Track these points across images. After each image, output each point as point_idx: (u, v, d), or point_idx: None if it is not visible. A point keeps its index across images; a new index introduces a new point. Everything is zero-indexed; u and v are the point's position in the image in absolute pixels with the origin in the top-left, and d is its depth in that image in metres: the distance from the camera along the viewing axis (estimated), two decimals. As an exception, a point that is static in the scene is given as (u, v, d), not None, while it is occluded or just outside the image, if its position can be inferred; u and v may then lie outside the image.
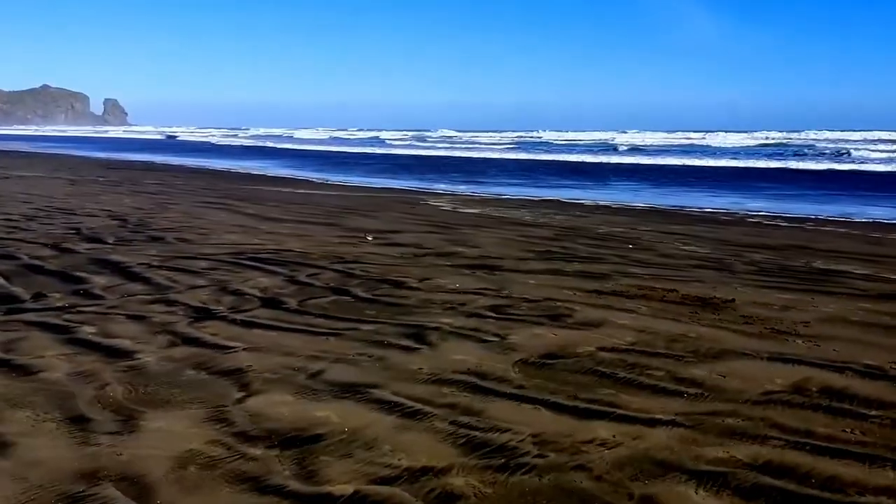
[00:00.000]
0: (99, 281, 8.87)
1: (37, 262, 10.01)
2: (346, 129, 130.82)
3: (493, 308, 7.89)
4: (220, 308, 7.66)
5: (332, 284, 8.98)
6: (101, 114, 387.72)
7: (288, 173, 34.93)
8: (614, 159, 51.52)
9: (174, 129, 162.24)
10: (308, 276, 9.50)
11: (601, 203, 22.70)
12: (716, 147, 65.64)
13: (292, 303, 7.98)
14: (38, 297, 7.97)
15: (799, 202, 23.84)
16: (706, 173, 38.71)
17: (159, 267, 9.84)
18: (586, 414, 4.94)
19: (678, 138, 79.32)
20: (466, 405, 5.02)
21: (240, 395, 5.11)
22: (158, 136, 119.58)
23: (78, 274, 9.23)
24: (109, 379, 5.35)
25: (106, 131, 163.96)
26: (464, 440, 4.46)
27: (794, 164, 44.55)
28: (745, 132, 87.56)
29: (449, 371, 5.69)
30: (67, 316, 7.17)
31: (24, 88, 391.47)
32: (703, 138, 77.72)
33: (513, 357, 6.10)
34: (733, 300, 8.49)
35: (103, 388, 5.16)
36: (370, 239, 13.27)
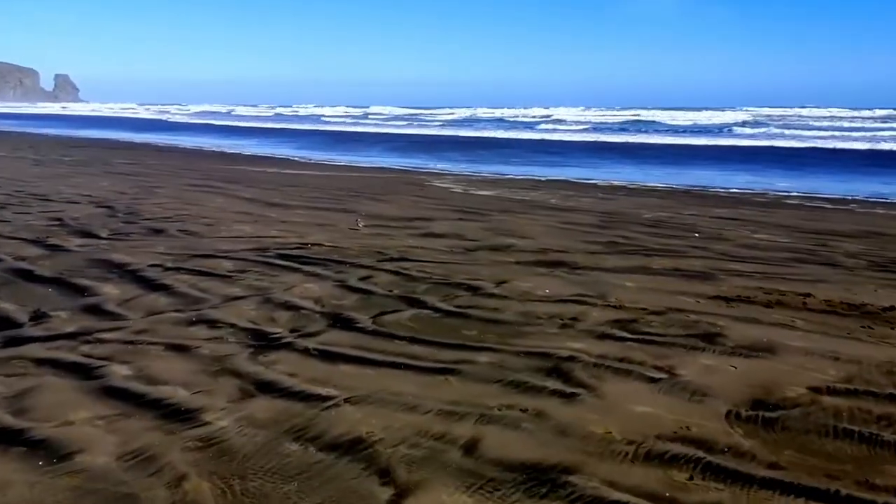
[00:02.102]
0: (110, 291, 7.08)
1: (23, 264, 8.16)
2: (289, 106, 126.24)
3: (617, 325, 6.29)
4: (279, 330, 5.94)
5: (396, 291, 7.31)
6: (51, 90, 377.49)
7: (264, 151, 32.87)
8: (571, 136, 49.86)
9: (126, 105, 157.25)
10: (360, 279, 7.81)
11: (615, 183, 21.19)
12: (670, 125, 64.18)
13: (365, 320, 6.29)
14: (38, 317, 6.18)
15: (809, 180, 22.52)
16: (676, 151, 37.45)
17: (176, 270, 8.06)
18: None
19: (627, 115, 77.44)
20: None
21: (387, 494, 3.42)
22: (111, 113, 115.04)
23: (79, 281, 7.43)
24: (181, 465, 3.62)
25: (64, 108, 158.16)
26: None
27: (781, 143, 43.45)
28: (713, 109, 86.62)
29: (649, 436, 4.06)
30: (86, 348, 5.40)
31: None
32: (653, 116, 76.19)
33: (715, 408, 4.49)
34: (893, 308, 6.98)
35: (179, 485, 3.43)
36: (361, 225, 11.66)
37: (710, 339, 5.95)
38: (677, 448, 3.91)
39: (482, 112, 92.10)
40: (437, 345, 5.65)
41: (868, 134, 46.47)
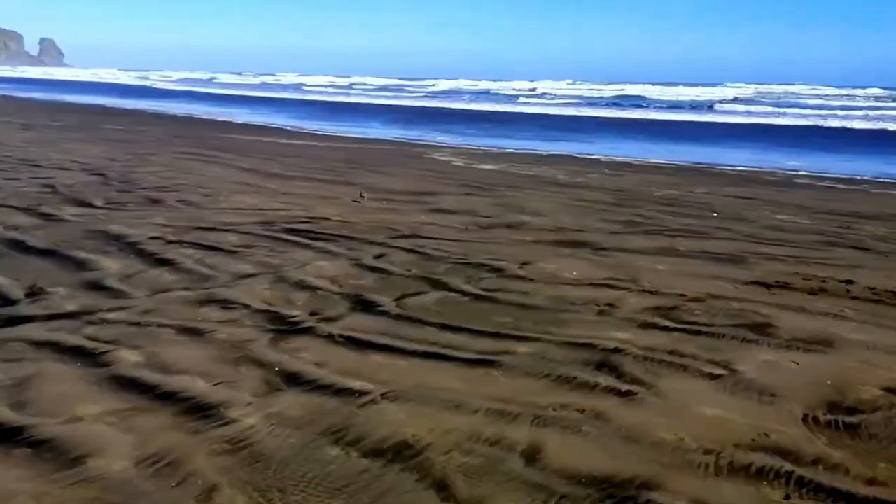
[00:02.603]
0: (110, 265, 6.59)
1: (15, 234, 7.66)
2: (272, 75, 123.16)
3: (658, 312, 5.88)
4: (298, 313, 5.49)
5: (415, 271, 6.87)
6: (36, 54, 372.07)
7: (255, 120, 32.17)
8: (563, 110, 49.24)
9: (108, 71, 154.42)
10: (375, 257, 7.36)
11: (617, 159, 20.72)
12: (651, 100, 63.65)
13: (387, 303, 5.85)
14: (35, 293, 5.70)
15: (813, 159, 22.12)
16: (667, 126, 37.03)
17: (178, 243, 7.58)
18: None
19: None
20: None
21: (448, 509, 2.99)
22: (94, 79, 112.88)
23: (77, 254, 6.94)
24: (211, 474, 3.17)
25: (47, 72, 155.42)
26: None
27: (768, 120, 43.06)
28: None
29: (727, 444, 3.65)
30: (89, 329, 4.92)
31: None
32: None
33: (790, 411, 4.08)
34: (942, 297, 6.60)
35: (210, 498, 2.98)
36: (366, 198, 11.23)
37: (761, 329, 5.55)
38: (761, 459, 3.49)
39: (465, 84, 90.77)
40: (471, 332, 5.22)
41: (860, 113, 46.01)
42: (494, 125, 34.30)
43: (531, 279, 6.81)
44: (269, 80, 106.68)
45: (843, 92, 72.10)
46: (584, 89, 78.37)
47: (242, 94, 65.25)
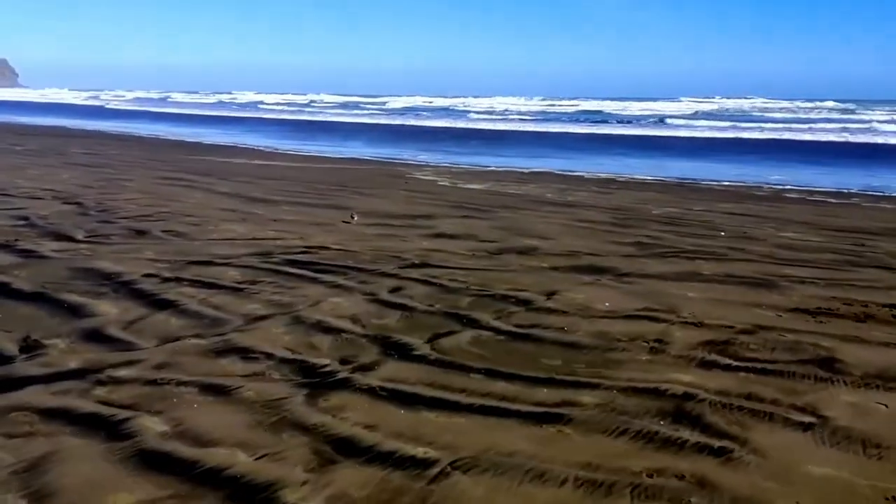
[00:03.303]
0: (107, 310, 6.01)
1: (-3, 275, 7.02)
2: (228, 93, 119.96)
3: (712, 348, 5.47)
4: (327, 362, 4.97)
5: (438, 306, 6.39)
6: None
7: (225, 141, 31.45)
8: (533, 127, 49.20)
9: (58, 91, 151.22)
10: (391, 291, 6.86)
11: (602, 176, 20.40)
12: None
13: (420, 345, 5.36)
14: (30, 347, 5.10)
15: (793, 172, 22.03)
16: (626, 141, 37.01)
17: (176, 280, 7.01)
18: None
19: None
20: None
21: None
22: (44, 99, 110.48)
23: (68, 297, 6.34)
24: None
25: (4, 94, 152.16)
26: None
27: (745, 134, 43.23)
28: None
29: (858, 512, 3.18)
30: (100, 391, 4.36)
31: None
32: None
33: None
34: None
35: None
36: (355, 218, 10.99)
37: (829, 365, 5.15)
38: (908, 533, 3.04)
39: (421, 101, 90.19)
40: (523, 380, 4.73)
41: (821, 126, 46.19)
42: (466, 142, 33.95)
43: (564, 312, 6.36)
44: (226, 98, 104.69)
45: (802, 105, 72.88)
46: (542, 105, 78.38)
47: (205, 113, 64.29)
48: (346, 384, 4.59)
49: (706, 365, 5.10)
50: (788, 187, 18.37)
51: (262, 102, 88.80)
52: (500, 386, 4.61)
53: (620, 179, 19.50)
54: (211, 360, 4.94)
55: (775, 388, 4.67)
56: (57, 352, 5.03)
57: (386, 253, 8.63)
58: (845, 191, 17.84)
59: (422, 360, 5.10)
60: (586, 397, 4.45)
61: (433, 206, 12.96)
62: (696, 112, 63.39)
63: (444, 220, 11.38)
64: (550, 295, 6.91)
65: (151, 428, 3.87)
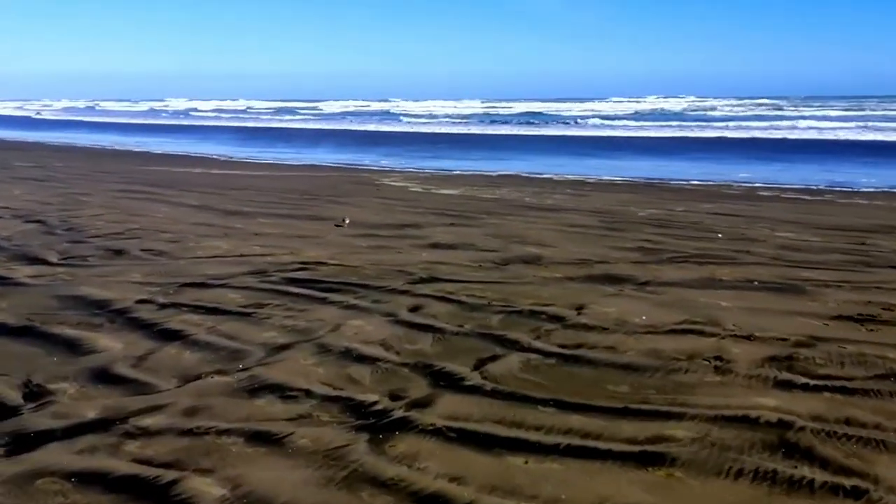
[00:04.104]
0: (109, 344, 5.42)
1: (-27, 307, 6.34)
2: (161, 100, 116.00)
3: (780, 365, 5.18)
4: (375, 398, 4.48)
5: (468, 327, 5.94)
6: None
7: (175, 150, 30.45)
8: (472, 129, 48.99)
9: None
10: (411, 310, 6.41)
11: (569, 178, 20.14)
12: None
13: (469, 374, 4.91)
14: (35, 394, 4.52)
15: (756, 170, 22.09)
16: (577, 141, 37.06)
17: (174, 307, 6.43)
18: None
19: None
20: None
21: None
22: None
23: (61, 331, 5.73)
24: None
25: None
26: None
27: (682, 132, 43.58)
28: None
29: None
30: (133, 447, 3.80)
31: None
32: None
33: None
34: None
35: None
36: (347, 222, 11.08)
37: (907, 384, 4.80)
38: None
39: (354, 105, 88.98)
40: (598, 412, 4.30)
41: (757, 124, 46.36)
42: (422, 146, 33.51)
43: (603, 328, 5.96)
44: (157, 105, 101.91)
45: (736, 103, 73.80)
46: (482, 108, 78.02)
47: (144, 122, 62.78)
48: (406, 425, 4.10)
49: (783, 385, 4.74)
50: (758, 185, 18.33)
51: (195, 109, 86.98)
52: (578, 420, 4.16)
53: (590, 181, 19.25)
54: (245, 402, 4.40)
55: (870, 411, 4.33)
56: (67, 398, 4.43)
57: (387, 267, 8.15)
58: (814, 187, 17.86)
59: (477, 391, 4.63)
60: (678, 430, 4.03)
61: (415, 213, 12.49)
62: (636, 112, 63.81)
63: (432, 228, 10.92)
64: (579, 309, 6.50)
65: (207, 492, 3.34)
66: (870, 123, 42.86)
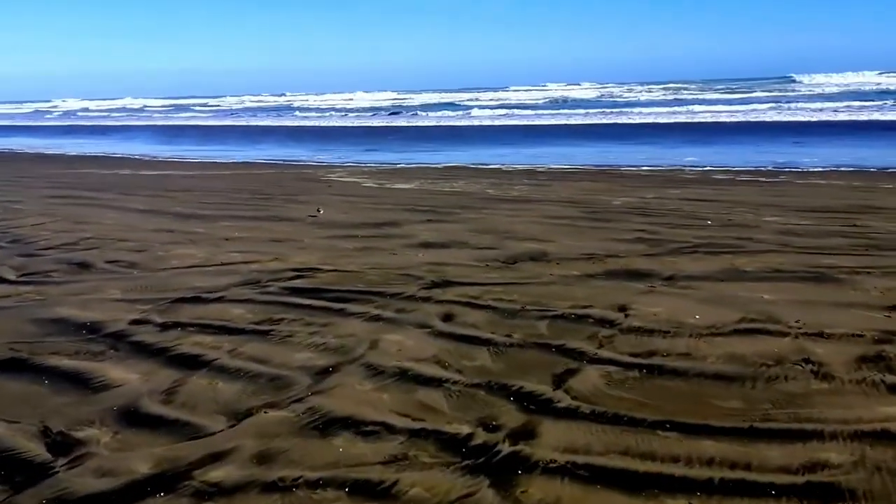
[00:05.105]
0: (123, 376, 4.68)
1: (-59, 339, 5.45)
2: (48, 101, 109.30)
3: (878, 366, 4.81)
4: (466, 430, 3.91)
5: (517, 336, 5.42)
6: None
7: (90, 151, 28.88)
8: (388, 122, 48.49)
9: None
10: (444, 320, 5.88)
11: (519, 167, 19.78)
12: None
13: (552, 393, 4.42)
14: (59, 444, 3.76)
15: (696, 153, 22.20)
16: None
17: (179, 327, 5.68)
18: None
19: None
20: None
21: None
22: None
23: (58, 363, 4.95)
24: None
25: None
26: None
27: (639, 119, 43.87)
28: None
29: None
30: (187, 501, 3.09)
31: None
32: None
33: None
34: None
35: None
36: (321, 213, 11.12)
37: None
38: None
39: (251, 101, 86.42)
40: (726, 434, 3.83)
41: (665, 109, 46.63)
42: (350, 140, 32.79)
43: (664, 332, 5.49)
44: (44, 106, 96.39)
45: (639, 88, 74.69)
46: (393, 99, 77.24)
47: (42, 123, 59.93)
48: (524, 463, 3.53)
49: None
50: (709, 168, 18.32)
51: (87, 109, 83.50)
52: (712, 447, 3.66)
53: (540, 170, 18.91)
54: (321, 442, 3.74)
55: None
56: (104, 448, 3.69)
57: (388, 270, 7.54)
58: (763, 169, 17.93)
59: (576, 415, 4.08)
60: (828, 454, 3.57)
61: (385, 211, 11.85)
62: (549, 100, 64.12)
63: (411, 226, 10.32)
64: (622, 309, 6.03)
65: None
66: (783, 105, 43.96)
